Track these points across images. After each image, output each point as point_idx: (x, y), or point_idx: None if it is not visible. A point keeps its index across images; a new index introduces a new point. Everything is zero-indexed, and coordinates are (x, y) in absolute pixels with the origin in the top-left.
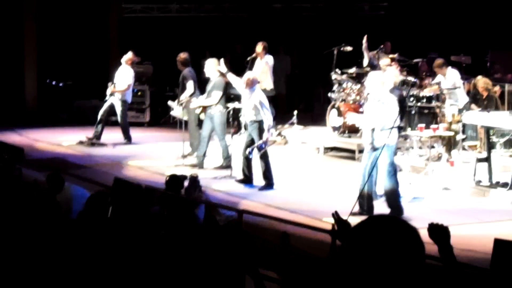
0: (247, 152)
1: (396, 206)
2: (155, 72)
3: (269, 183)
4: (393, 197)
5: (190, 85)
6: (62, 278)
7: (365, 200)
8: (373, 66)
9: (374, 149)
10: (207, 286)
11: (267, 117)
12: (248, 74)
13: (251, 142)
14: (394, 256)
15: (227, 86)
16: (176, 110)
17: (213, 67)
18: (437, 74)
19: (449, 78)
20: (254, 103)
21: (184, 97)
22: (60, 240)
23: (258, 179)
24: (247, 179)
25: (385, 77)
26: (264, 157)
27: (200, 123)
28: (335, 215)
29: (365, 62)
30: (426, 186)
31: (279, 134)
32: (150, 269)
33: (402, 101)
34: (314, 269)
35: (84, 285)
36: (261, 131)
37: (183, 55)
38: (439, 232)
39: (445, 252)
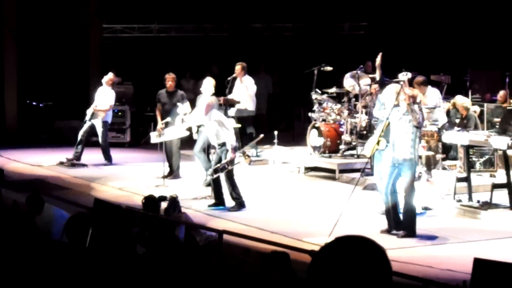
0: (208, 173)
1: (411, 226)
2: (136, 92)
3: (239, 203)
4: (411, 216)
5: (187, 105)
6: None
7: (392, 217)
8: (383, 83)
9: (398, 164)
10: None
11: (230, 136)
12: (206, 100)
13: (219, 163)
14: (362, 277)
15: (220, 106)
16: (156, 138)
17: (210, 86)
18: None
19: (429, 97)
20: (214, 125)
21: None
22: (39, 262)
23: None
24: (218, 202)
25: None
26: (230, 178)
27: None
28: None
29: (377, 77)
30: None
31: (244, 153)
32: None
33: None
34: None
35: None
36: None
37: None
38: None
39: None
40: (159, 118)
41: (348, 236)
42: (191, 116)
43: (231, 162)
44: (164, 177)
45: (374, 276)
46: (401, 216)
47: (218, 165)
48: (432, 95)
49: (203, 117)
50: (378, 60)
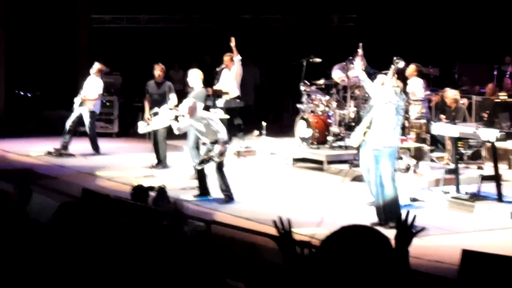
0: (194, 164)
1: (398, 214)
2: (124, 82)
3: (228, 196)
4: (395, 204)
5: (174, 97)
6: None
7: (382, 209)
8: (369, 74)
9: (378, 151)
10: None
11: (220, 130)
12: (186, 104)
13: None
14: (367, 266)
15: (208, 97)
16: (144, 128)
17: (197, 77)
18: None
19: (410, 86)
20: (202, 125)
21: (167, 108)
22: (31, 249)
23: (216, 192)
24: (203, 193)
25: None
26: (220, 170)
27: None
28: (277, 223)
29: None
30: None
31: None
32: (119, 279)
33: None
34: (280, 279)
35: None
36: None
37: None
38: (403, 233)
39: (399, 256)
40: (147, 108)
41: (353, 225)
42: (180, 118)
43: (220, 154)
44: (153, 167)
45: (380, 264)
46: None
47: (205, 156)
48: (413, 85)
49: (189, 120)
50: (360, 51)
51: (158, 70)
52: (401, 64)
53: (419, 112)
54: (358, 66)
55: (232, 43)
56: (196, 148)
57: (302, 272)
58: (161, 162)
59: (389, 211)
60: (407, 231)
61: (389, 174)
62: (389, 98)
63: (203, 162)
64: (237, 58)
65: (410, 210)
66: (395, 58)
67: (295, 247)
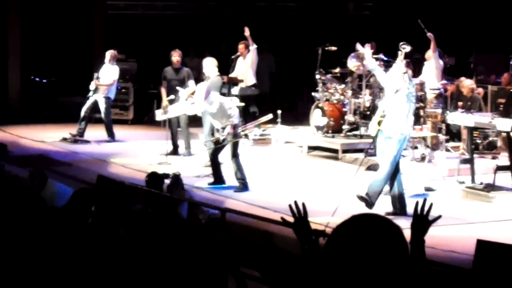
0: (204, 143)
1: (376, 198)
2: (139, 69)
3: (243, 184)
4: (378, 189)
5: (192, 84)
6: (47, 271)
7: (397, 199)
8: (384, 61)
9: (387, 138)
10: (189, 284)
11: (233, 114)
12: (200, 87)
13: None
14: (378, 255)
15: (223, 85)
16: (161, 115)
17: (212, 66)
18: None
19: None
20: (217, 109)
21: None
22: (45, 234)
23: (231, 180)
24: (218, 181)
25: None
26: (235, 158)
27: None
28: (293, 208)
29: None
30: (409, 186)
31: (246, 135)
32: (133, 266)
33: None
34: (295, 267)
35: (69, 278)
36: (235, 134)
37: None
38: (420, 221)
39: (415, 244)
40: (164, 95)
41: (364, 214)
42: (193, 105)
43: (233, 137)
44: (168, 154)
45: (391, 254)
46: (406, 199)
47: (212, 138)
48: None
49: (203, 103)
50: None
51: (176, 56)
52: (407, 49)
53: (435, 101)
54: (368, 54)
55: (247, 33)
56: (211, 135)
57: (317, 258)
58: (176, 150)
59: (372, 191)
60: (424, 220)
61: (390, 159)
62: (399, 85)
63: (212, 143)
64: (253, 47)
65: (427, 199)
66: (401, 43)
67: (311, 232)
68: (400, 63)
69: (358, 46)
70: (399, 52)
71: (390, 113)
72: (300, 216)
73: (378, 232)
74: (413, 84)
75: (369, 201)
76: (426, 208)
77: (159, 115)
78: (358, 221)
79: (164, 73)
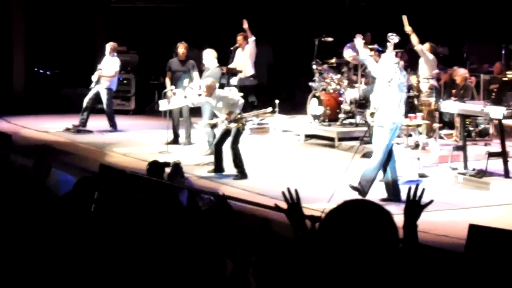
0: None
1: (368, 186)
2: (141, 61)
3: (241, 172)
4: (371, 178)
5: (196, 75)
6: (51, 263)
7: (391, 186)
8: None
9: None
10: (189, 268)
11: (235, 103)
12: (205, 82)
13: (225, 134)
14: (368, 239)
15: (223, 75)
16: (165, 105)
17: (212, 57)
18: (414, 66)
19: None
20: (222, 102)
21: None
22: (50, 221)
23: (230, 168)
24: (218, 169)
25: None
26: (234, 148)
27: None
28: (286, 194)
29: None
30: (403, 173)
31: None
32: (134, 251)
33: None
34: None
35: (74, 266)
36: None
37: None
38: (412, 206)
39: (408, 229)
40: (168, 86)
41: (355, 200)
42: (197, 98)
43: (230, 122)
44: (168, 143)
45: (381, 238)
46: (400, 186)
47: (212, 121)
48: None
49: (208, 98)
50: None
51: (181, 48)
52: (396, 39)
53: (429, 89)
54: (359, 45)
55: (245, 25)
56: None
57: (309, 242)
58: (177, 139)
59: (365, 180)
60: (416, 205)
61: (383, 147)
62: (391, 75)
63: (210, 126)
64: (252, 39)
65: (419, 184)
66: (389, 34)
67: (303, 218)
68: (390, 53)
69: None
70: (388, 43)
71: (382, 102)
72: (293, 202)
73: (369, 217)
74: (404, 74)
75: (361, 190)
76: (418, 194)
77: (162, 105)
78: (349, 207)
79: (169, 64)
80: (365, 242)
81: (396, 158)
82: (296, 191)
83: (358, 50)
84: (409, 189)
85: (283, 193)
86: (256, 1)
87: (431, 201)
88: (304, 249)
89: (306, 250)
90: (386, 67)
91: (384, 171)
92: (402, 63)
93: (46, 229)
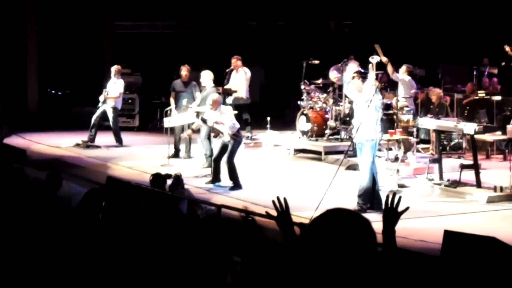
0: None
1: (367, 202)
2: (144, 82)
3: (236, 184)
4: (366, 193)
5: (199, 96)
6: (63, 268)
7: (374, 196)
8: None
9: (360, 145)
10: (189, 272)
11: (233, 122)
12: (212, 96)
13: (223, 149)
14: (349, 245)
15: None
16: (169, 123)
17: (209, 78)
18: (394, 86)
19: (401, 84)
20: (225, 118)
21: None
22: (62, 230)
23: (226, 180)
24: (215, 180)
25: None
26: (230, 161)
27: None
28: (275, 202)
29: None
30: (384, 183)
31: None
32: (139, 258)
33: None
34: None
35: (84, 273)
36: (237, 142)
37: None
38: (390, 213)
39: (386, 234)
40: (173, 105)
41: (337, 208)
42: (203, 112)
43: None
44: (170, 157)
45: (360, 245)
46: (381, 194)
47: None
48: (403, 84)
49: (213, 112)
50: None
51: (184, 70)
52: (376, 59)
53: (406, 108)
54: (351, 70)
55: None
56: (208, 139)
57: (297, 248)
58: (178, 153)
59: (362, 197)
60: (393, 212)
61: (368, 165)
62: (370, 97)
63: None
64: (248, 75)
65: (396, 193)
66: (371, 56)
67: (292, 225)
68: (372, 73)
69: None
70: (370, 65)
71: (361, 121)
72: (282, 210)
73: (349, 224)
74: (379, 95)
75: (363, 208)
76: (395, 202)
77: (167, 122)
78: (331, 215)
79: (173, 85)
80: (346, 247)
81: (378, 170)
82: (285, 199)
83: (346, 73)
84: (387, 197)
85: (273, 202)
86: (250, 27)
87: (407, 208)
88: (292, 253)
89: (295, 255)
90: (365, 89)
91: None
92: (377, 83)
93: (57, 236)
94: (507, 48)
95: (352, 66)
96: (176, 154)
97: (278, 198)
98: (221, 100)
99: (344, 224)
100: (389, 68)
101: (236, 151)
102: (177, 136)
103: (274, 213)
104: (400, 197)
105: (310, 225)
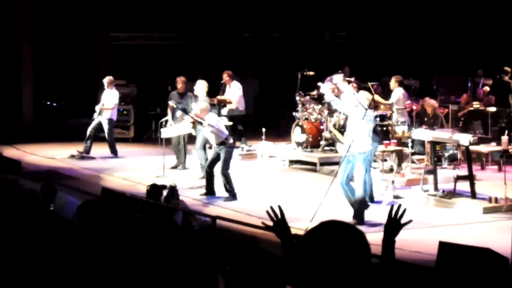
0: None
1: (360, 215)
2: (139, 93)
3: (232, 195)
4: (360, 206)
5: (195, 106)
6: (57, 279)
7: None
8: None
9: (353, 157)
10: (183, 284)
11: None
12: (200, 105)
13: (216, 158)
14: (344, 257)
15: (213, 106)
16: (166, 133)
17: (202, 88)
18: (388, 96)
19: (393, 96)
20: (211, 127)
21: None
22: (56, 241)
23: (221, 190)
24: (209, 192)
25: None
26: (225, 172)
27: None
28: (270, 212)
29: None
30: (380, 194)
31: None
32: (133, 268)
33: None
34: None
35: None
36: (228, 151)
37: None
38: (392, 224)
39: (386, 244)
40: (170, 116)
41: (331, 220)
42: (194, 128)
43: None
44: (172, 168)
45: (355, 257)
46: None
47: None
48: (395, 94)
49: (206, 119)
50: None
51: (180, 82)
52: (337, 78)
53: (401, 119)
54: (325, 89)
55: None
56: (203, 149)
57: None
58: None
59: (356, 211)
60: (396, 223)
61: (361, 177)
62: (364, 111)
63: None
64: (240, 87)
65: (401, 204)
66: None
67: (290, 232)
68: (348, 87)
69: (321, 85)
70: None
71: (353, 134)
72: (278, 218)
73: (343, 237)
74: (370, 110)
75: (358, 220)
76: (400, 213)
77: (163, 133)
78: (325, 228)
79: (170, 97)
80: (340, 260)
81: (369, 181)
82: (279, 207)
83: (325, 94)
84: (391, 207)
85: (268, 212)
86: (245, 39)
87: (410, 221)
88: (291, 261)
89: (293, 262)
90: (353, 103)
91: (345, 192)
92: (370, 98)
93: (52, 247)
94: None
95: (329, 84)
96: (178, 165)
97: (271, 208)
98: (208, 108)
99: (338, 236)
100: (381, 101)
101: (229, 160)
102: (176, 147)
103: (270, 223)
104: (405, 209)
105: (304, 237)
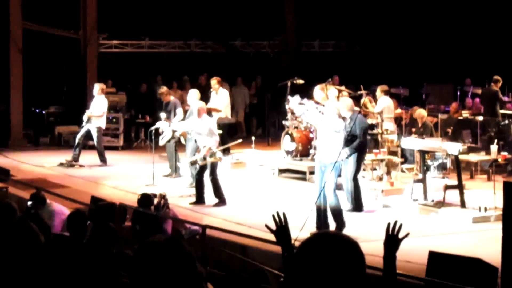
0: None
1: (341, 221)
2: (129, 101)
3: (221, 200)
4: (338, 213)
5: (180, 111)
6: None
7: (322, 213)
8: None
9: (324, 167)
10: None
11: (213, 137)
12: (198, 105)
13: (204, 167)
14: (338, 268)
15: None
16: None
17: (194, 97)
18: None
19: (378, 105)
20: (205, 128)
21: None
22: (44, 250)
23: (210, 198)
24: (199, 201)
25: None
26: (214, 179)
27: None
28: (275, 217)
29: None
30: (369, 204)
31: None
32: (124, 276)
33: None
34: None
35: None
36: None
37: (165, 88)
38: (391, 240)
39: (388, 260)
40: (161, 123)
41: (325, 232)
42: (187, 122)
43: (203, 158)
44: (166, 176)
45: (349, 268)
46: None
47: (193, 158)
48: (380, 103)
49: (197, 120)
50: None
51: (161, 93)
52: (293, 101)
53: (390, 128)
54: (294, 103)
55: None
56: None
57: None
58: (178, 171)
59: (335, 218)
60: (395, 239)
61: (332, 186)
62: (343, 124)
63: (191, 163)
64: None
65: (397, 220)
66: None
67: (290, 239)
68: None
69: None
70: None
71: (326, 145)
72: (281, 224)
73: (338, 247)
74: (340, 120)
75: (341, 227)
76: (397, 228)
77: (161, 141)
78: (318, 240)
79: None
80: (335, 272)
81: (361, 190)
82: (284, 214)
83: (295, 108)
84: (388, 224)
85: (273, 216)
86: (235, 47)
87: (407, 234)
88: (290, 267)
89: (292, 269)
90: (325, 115)
91: (320, 198)
92: (338, 109)
93: (40, 257)
94: None
95: (297, 99)
96: (177, 173)
97: (277, 213)
98: (204, 108)
99: (332, 248)
100: (371, 107)
101: (216, 167)
102: (171, 154)
103: (273, 227)
104: (401, 224)
105: (299, 250)
